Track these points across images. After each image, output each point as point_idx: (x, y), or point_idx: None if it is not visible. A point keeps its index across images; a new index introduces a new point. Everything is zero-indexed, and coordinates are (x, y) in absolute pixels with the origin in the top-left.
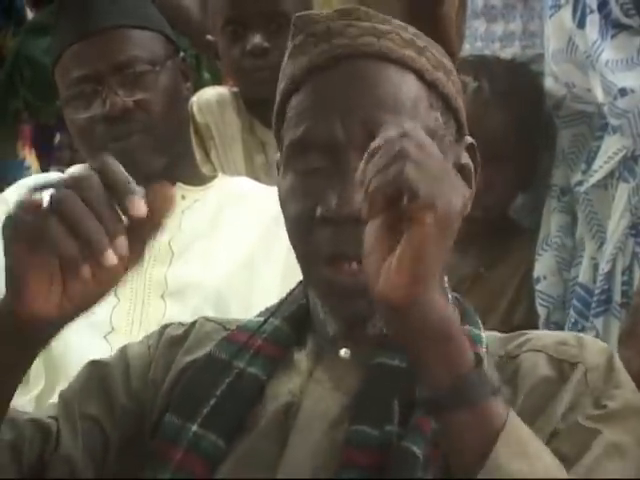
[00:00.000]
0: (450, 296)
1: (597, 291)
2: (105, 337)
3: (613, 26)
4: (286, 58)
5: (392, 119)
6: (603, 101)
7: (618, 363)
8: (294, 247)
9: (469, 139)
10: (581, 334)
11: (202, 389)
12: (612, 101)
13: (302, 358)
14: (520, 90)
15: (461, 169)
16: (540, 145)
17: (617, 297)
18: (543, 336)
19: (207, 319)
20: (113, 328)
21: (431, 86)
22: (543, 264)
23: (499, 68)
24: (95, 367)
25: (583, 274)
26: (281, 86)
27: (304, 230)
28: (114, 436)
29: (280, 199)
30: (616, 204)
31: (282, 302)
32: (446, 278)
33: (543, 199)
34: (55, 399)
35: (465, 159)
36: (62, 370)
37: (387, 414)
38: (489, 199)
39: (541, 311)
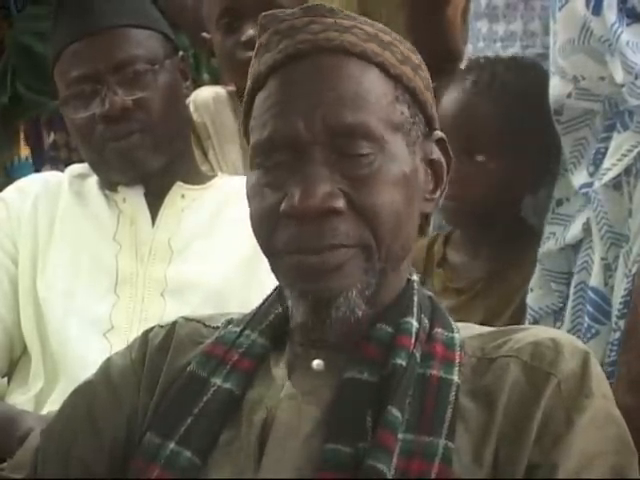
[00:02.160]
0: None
1: (623, 292)
2: (105, 335)
3: (628, 15)
4: (253, 58)
5: (353, 115)
6: (623, 81)
7: (592, 366)
8: (258, 241)
9: (439, 134)
10: (558, 334)
11: (181, 408)
12: (633, 81)
13: (278, 370)
14: (524, 86)
15: (431, 164)
16: (543, 144)
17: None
18: (523, 336)
19: (186, 319)
20: (113, 326)
21: (396, 80)
22: (534, 277)
23: (501, 66)
24: (80, 399)
25: (595, 277)
26: (247, 85)
27: (268, 224)
28: (102, 470)
29: (247, 195)
30: (637, 203)
31: (257, 311)
32: (415, 277)
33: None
34: (54, 398)
35: (435, 154)
36: (62, 368)
37: (360, 431)
38: (462, 191)
39: (526, 322)
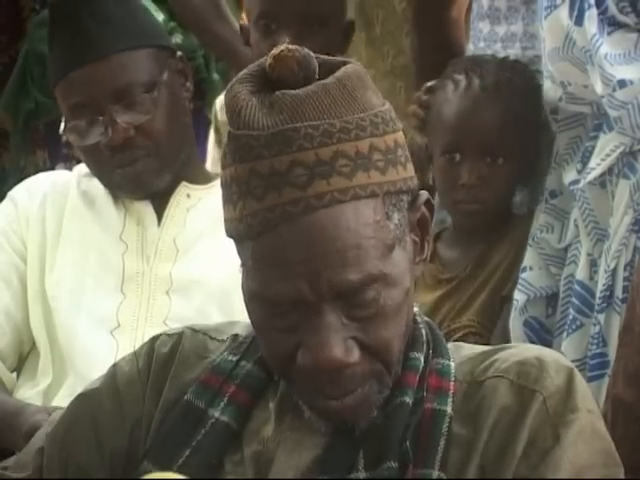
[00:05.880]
0: (421, 320)
1: (602, 287)
2: (111, 332)
3: (609, 23)
4: (228, 178)
5: (356, 273)
6: (602, 93)
7: (577, 382)
8: (273, 369)
9: (424, 195)
10: (543, 352)
11: (179, 438)
12: (611, 93)
13: (274, 403)
14: (511, 85)
15: (418, 225)
16: (539, 141)
17: (619, 292)
18: (507, 356)
19: (193, 330)
20: (119, 324)
21: (385, 193)
22: (530, 256)
23: (489, 65)
24: (85, 405)
25: (580, 271)
26: (231, 221)
27: (283, 365)
28: (102, 478)
29: (253, 324)
30: (617, 201)
31: (253, 338)
32: (416, 309)
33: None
34: (62, 394)
35: (420, 213)
36: (69, 365)
37: (352, 463)
38: (484, 193)
39: (519, 297)
